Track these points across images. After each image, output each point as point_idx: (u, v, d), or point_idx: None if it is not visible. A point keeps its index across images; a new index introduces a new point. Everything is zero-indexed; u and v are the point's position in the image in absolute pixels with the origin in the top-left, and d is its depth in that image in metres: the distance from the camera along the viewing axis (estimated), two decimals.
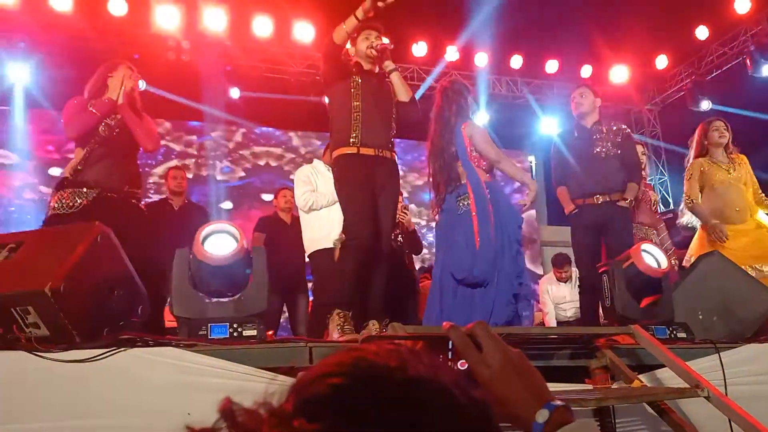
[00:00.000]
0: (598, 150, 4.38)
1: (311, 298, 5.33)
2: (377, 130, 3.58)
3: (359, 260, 3.41)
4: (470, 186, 3.58)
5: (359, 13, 3.44)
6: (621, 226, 4.31)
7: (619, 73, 9.65)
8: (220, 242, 2.81)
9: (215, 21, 7.75)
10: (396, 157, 3.69)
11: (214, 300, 2.79)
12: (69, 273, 2.28)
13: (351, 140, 3.52)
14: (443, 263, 3.67)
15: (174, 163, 8.61)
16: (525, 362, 0.80)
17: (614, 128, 4.48)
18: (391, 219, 3.64)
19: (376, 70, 3.76)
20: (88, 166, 3.59)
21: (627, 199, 4.32)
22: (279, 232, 5.51)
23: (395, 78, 3.73)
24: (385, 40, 3.67)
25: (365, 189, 3.51)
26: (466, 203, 3.57)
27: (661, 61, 9.63)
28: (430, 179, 3.83)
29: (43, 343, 2.16)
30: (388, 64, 3.72)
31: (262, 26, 8.00)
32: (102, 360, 2.16)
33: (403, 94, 3.71)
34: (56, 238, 2.60)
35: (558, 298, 6.81)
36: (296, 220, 5.38)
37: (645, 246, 3.53)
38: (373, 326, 3.33)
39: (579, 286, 4.53)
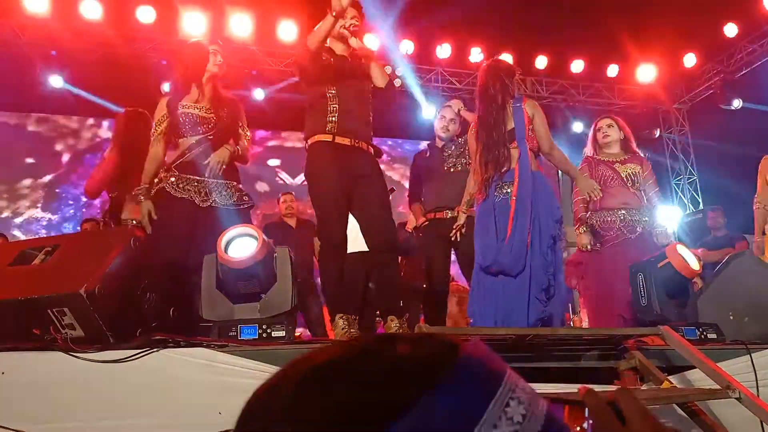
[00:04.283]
0: (446, 167, 4.39)
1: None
2: (354, 119, 3.39)
3: (341, 261, 3.34)
4: (518, 169, 3.37)
5: (336, 3, 3.20)
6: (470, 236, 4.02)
7: (647, 73, 9.51)
8: (243, 245, 2.87)
9: (241, 26, 7.84)
10: (372, 151, 3.47)
11: (241, 302, 2.84)
12: (104, 276, 2.33)
13: (327, 128, 3.33)
14: (476, 252, 3.48)
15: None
16: None
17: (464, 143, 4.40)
18: (379, 209, 3.38)
19: (348, 52, 3.53)
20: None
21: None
22: (285, 236, 5.46)
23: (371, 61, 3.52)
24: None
25: (339, 183, 3.30)
26: (505, 191, 3.39)
27: (689, 60, 9.47)
28: (476, 158, 3.55)
29: (78, 344, 2.22)
30: (357, 42, 3.49)
31: (288, 31, 8.06)
32: (135, 360, 2.21)
33: (379, 79, 3.49)
34: (91, 241, 2.66)
35: None
36: (302, 223, 5.75)
37: (678, 246, 3.51)
38: (392, 323, 3.30)
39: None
